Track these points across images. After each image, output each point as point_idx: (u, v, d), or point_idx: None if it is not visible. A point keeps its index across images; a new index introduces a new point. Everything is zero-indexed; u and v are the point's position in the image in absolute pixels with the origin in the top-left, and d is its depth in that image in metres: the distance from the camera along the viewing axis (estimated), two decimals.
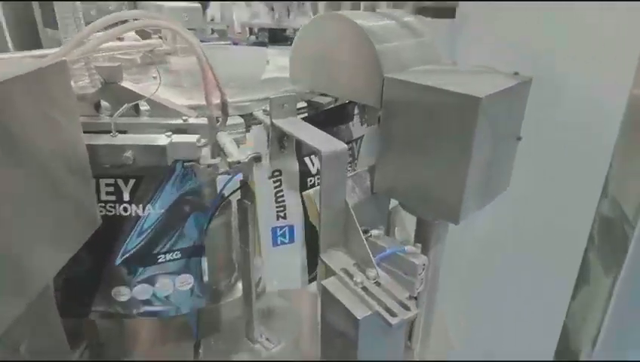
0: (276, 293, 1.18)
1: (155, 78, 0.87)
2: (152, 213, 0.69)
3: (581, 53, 0.88)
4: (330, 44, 0.73)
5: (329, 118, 0.75)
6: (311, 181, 0.74)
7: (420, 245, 0.66)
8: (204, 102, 0.71)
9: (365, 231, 0.63)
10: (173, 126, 0.67)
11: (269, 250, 0.75)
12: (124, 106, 0.62)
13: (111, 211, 0.69)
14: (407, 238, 0.84)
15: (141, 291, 0.73)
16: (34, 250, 0.49)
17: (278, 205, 0.72)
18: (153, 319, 0.82)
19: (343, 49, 0.71)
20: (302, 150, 0.70)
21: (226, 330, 0.97)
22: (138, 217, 0.69)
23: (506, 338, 1.17)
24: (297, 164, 0.70)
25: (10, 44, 1.35)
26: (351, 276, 0.58)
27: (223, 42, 2.29)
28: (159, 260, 0.73)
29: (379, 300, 0.55)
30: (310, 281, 0.80)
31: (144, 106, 0.69)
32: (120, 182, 0.68)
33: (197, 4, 1.23)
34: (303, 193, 0.71)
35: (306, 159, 0.72)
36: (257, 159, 0.66)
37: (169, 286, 0.75)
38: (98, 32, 0.61)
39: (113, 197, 0.68)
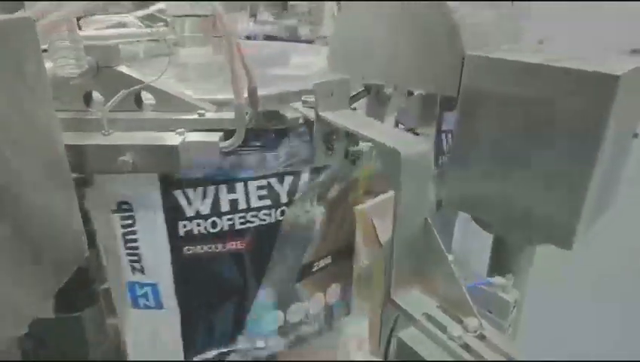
0: None
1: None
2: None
3: None
4: (385, 22, 0.57)
5: None
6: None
7: (511, 276, 0.49)
8: (220, 97, 0.55)
9: None
10: (189, 123, 0.51)
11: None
12: (119, 93, 0.46)
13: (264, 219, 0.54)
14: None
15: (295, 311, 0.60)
16: None
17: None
18: None
19: (404, 25, 0.56)
20: None
21: None
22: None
23: None
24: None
25: None
26: (441, 326, 0.41)
27: None
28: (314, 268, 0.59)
29: None
30: None
31: (148, 100, 0.53)
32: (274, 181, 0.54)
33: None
34: (356, 208, 0.54)
35: None
36: None
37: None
38: None
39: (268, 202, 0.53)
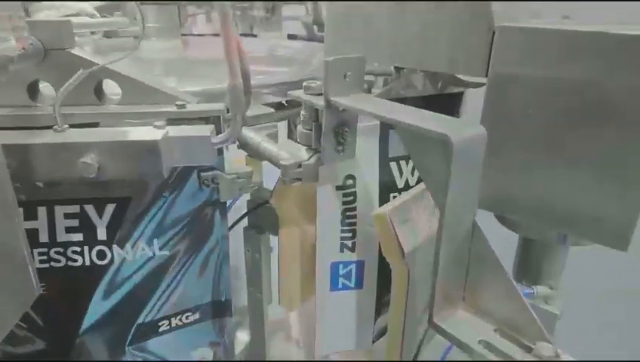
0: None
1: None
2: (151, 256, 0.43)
3: None
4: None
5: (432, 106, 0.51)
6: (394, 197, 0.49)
7: (557, 284, 0.42)
8: (199, 88, 0.46)
9: None
10: (167, 115, 0.40)
11: (324, 296, 0.49)
12: (77, 73, 0.35)
13: (75, 261, 0.41)
14: None
15: None
16: None
17: (345, 230, 0.46)
18: None
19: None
20: (387, 149, 0.45)
21: None
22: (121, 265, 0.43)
23: None
24: (376, 169, 0.45)
25: None
26: (506, 356, 0.33)
27: None
28: (161, 329, 0.46)
29: None
30: (375, 341, 0.55)
31: (114, 94, 0.42)
32: (90, 209, 0.41)
33: None
34: (374, 213, 0.46)
35: (392, 164, 0.47)
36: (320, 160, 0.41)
37: None
38: None
39: (79, 237, 0.41)
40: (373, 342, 0.58)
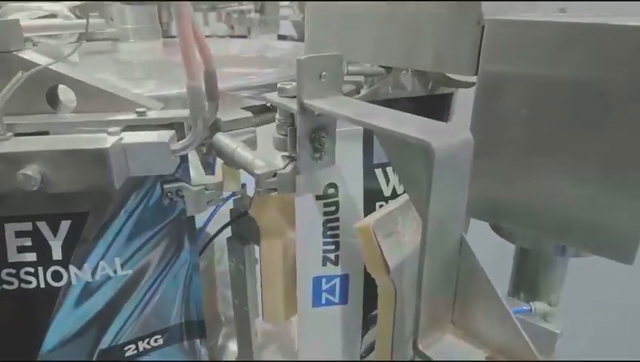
0: None
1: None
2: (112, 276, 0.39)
3: None
4: None
5: (422, 107, 0.47)
6: (380, 206, 0.45)
7: (557, 300, 0.38)
8: (167, 92, 0.42)
9: None
10: (124, 123, 0.37)
11: (306, 312, 0.46)
12: (16, 76, 0.32)
13: (29, 283, 0.38)
14: None
15: None
16: None
17: (327, 243, 0.43)
18: None
19: None
20: (372, 154, 0.42)
21: None
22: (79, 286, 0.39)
23: None
24: (360, 176, 0.42)
25: None
26: None
27: None
28: (127, 353, 0.42)
29: None
30: (363, 356, 0.52)
31: (71, 102, 0.39)
32: (43, 226, 0.37)
33: None
34: (357, 225, 0.42)
35: (378, 171, 0.43)
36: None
37: None
38: None
39: (32, 257, 0.37)
40: (362, 357, 0.54)
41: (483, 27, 0.40)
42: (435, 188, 0.28)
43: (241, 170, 0.45)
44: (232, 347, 0.88)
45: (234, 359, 0.85)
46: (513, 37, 0.39)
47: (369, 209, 0.48)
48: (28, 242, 0.38)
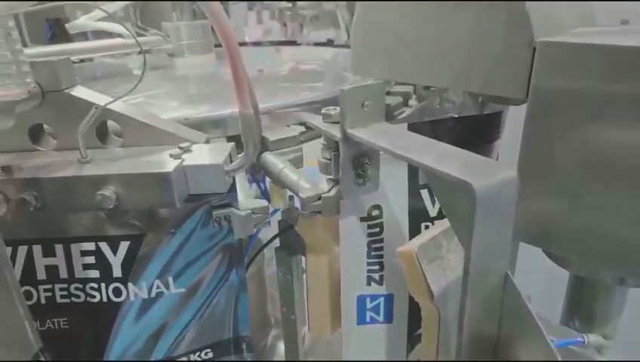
0: None
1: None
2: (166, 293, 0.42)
3: None
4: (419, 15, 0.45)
5: (471, 126, 0.47)
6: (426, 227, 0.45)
7: (612, 333, 0.36)
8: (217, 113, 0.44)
9: None
10: None
11: (350, 329, 0.47)
12: (91, 112, 0.34)
13: (94, 297, 0.42)
14: None
15: None
16: None
17: (371, 263, 0.44)
18: None
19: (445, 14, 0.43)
20: (417, 175, 0.42)
21: None
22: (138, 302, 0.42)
23: None
24: (405, 197, 0.42)
25: None
26: None
27: None
28: None
29: None
30: None
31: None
32: (104, 246, 0.40)
33: None
34: (400, 250, 0.42)
35: (423, 192, 0.43)
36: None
37: None
38: None
39: (96, 274, 0.41)
40: None
41: (534, 49, 0.38)
42: (477, 228, 0.28)
43: None
44: (281, 347, 0.90)
45: (282, 359, 0.87)
46: (567, 59, 0.37)
47: (414, 229, 0.47)
48: (92, 260, 0.41)
